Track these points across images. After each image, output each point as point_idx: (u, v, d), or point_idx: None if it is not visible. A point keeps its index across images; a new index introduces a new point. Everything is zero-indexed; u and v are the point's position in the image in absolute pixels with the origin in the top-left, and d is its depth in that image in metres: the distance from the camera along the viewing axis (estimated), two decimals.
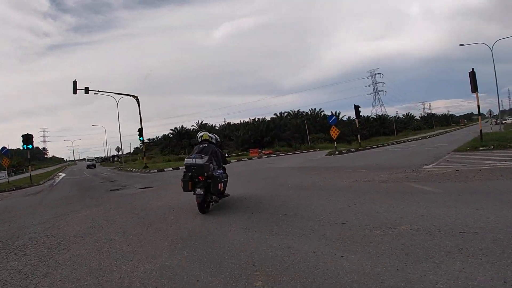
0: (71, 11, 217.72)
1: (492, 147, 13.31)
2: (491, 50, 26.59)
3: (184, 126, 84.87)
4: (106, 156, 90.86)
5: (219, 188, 5.72)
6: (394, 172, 8.90)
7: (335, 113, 63.69)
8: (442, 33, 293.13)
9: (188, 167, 5.66)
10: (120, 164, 46.12)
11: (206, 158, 5.68)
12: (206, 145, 6.08)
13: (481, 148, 13.38)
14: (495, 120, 68.68)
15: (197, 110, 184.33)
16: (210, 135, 6.43)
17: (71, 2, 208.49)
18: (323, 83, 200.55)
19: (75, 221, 6.26)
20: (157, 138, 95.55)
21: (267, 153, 33.14)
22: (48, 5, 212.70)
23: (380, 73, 79.88)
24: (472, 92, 14.83)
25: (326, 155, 19.40)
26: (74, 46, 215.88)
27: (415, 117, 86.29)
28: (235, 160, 26.62)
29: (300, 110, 63.80)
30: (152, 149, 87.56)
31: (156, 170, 21.73)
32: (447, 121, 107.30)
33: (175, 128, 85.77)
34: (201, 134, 6.43)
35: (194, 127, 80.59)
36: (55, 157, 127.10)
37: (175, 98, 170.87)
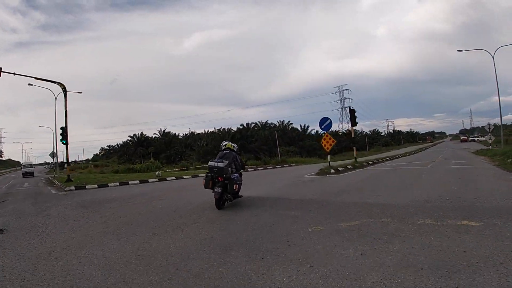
0: (42, 9, 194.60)
1: None
2: (493, 57, 23.78)
3: (144, 133, 76.05)
4: (57, 162, 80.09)
5: (234, 188, 6.28)
6: None
7: (304, 126, 59.33)
8: (407, 55, 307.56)
9: (211, 168, 6.23)
10: (54, 172, 37.13)
11: (227, 162, 6.29)
12: (228, 152, 6.77)
13: None
14: (467, 137, 68.46)
15: (163, 118, 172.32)
16: (233, 144, 7.10)
17: None
18: (290, 98, 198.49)
19: None
20: (117, 145, 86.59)
21: None
22: (18, 0, 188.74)
23: (348, 89, 77.33)
24: None
25: (317, 174, 13.19)
26: (41, 44, 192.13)
27: (381, 134, 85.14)
28: (189, 176, 18.05)
29: (268, 121, 58.40)
30: (111, 157, 78.23)
31: (73, 187, 14.49)
32: (413, 138, 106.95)
33: (134, 135, 76.78)
34: (225, 143, 7.05)
35: (156, 135, 72.65)
36: (11, 160, 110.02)
37: (141, 105, 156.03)
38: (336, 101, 79.89)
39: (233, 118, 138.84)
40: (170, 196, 9.12)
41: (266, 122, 56.85)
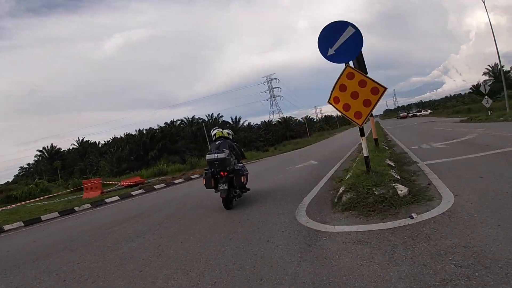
0: None
1: None
2: (484, 2, 20.05)
3: (55, 145, 63.23)
4: None
5: (242, 181, 5.24)
6: None
7: (236, 118, 53.93)
8: None
9: (211, 162, 5.10)
10: None
11: (227, 152, 5.19)
12: (222, 141, 5.54)
13: None
14: (407, 113, 67.48)
15: (88, 126, 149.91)
16: (226, 131, 5.89)
17: None
18: (218, 94, 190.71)
19: None
20: (34, 162, 71.39)
21: (132, 184, 15.61)
22: None
23: (276, 78, 73.80)
24: None
25: (347, 208, 3.70)
26: None
27: (314, 120, 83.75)
28: (21, 223, 10.68)
29: (195, 116, 51.39)
30: (31, 176, 63.81)
31: None
32: (346, 121, 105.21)
33: (44, 148, 63.44)
34: (214, 132, 5.84)
35: (74, 146, 60.57)
36: None
37: (65, 115, 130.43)
38: (265, 91, 75.99)
39: (162, 119, 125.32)
40: None
41: (193, 117, 49.92)
